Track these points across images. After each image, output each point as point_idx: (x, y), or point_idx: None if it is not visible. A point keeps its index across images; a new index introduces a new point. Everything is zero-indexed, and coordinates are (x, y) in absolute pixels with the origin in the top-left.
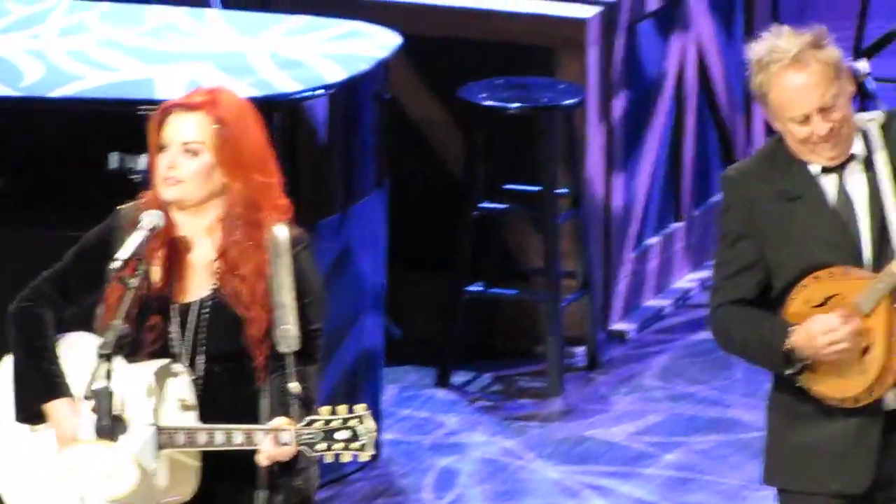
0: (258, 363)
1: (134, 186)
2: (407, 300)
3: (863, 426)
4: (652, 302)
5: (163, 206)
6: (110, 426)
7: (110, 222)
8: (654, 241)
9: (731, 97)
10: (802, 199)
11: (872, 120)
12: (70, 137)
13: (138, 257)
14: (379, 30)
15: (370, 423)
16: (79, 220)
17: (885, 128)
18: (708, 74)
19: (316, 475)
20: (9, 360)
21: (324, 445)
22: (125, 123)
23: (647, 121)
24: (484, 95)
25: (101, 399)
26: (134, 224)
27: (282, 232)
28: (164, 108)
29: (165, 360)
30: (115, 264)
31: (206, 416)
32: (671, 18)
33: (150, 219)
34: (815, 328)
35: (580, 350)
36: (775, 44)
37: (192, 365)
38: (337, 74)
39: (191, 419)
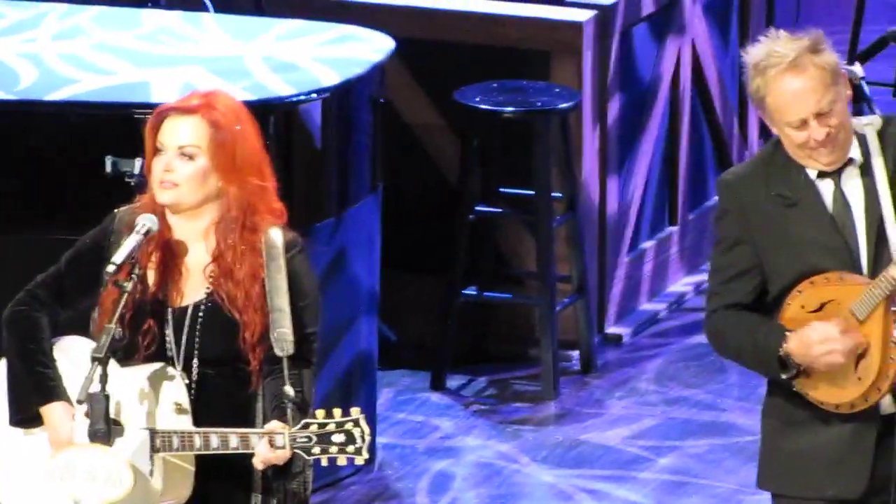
0: (253, 367)
1: (129, 190)
2: (402, 304)
3: (858, 431)
4: (647, 306)
5: (158, 210)
6: (105, 430)
7: (106, 226)
8: (648, 244)
9: (725, 101)
10: (799, 204)
11: (870, 125)
12: (65, 141)
13: (133, 261)
14: (374, 33)
15: (365, 427)
16: (74, 224)
17: (882, 133)
18: (703, 78)
19: (311, 479)
20: (3, 363)
21: (319, 449)
22: (120, 127)
23: (641, 124)
24: (479, 99)
25: (96, 403)
26: (129, 228)
27: (276, 236)
28: (160, 112)
29: (160, 364)
30: (110, 268)
31: (200, 420)
32: (666, 22)
33: (145, 222)
34: (812, 337)
35: (575, 354)
36: (773, 48)
37: (186, 369)
38: (332, 78)
39: (185, 423)
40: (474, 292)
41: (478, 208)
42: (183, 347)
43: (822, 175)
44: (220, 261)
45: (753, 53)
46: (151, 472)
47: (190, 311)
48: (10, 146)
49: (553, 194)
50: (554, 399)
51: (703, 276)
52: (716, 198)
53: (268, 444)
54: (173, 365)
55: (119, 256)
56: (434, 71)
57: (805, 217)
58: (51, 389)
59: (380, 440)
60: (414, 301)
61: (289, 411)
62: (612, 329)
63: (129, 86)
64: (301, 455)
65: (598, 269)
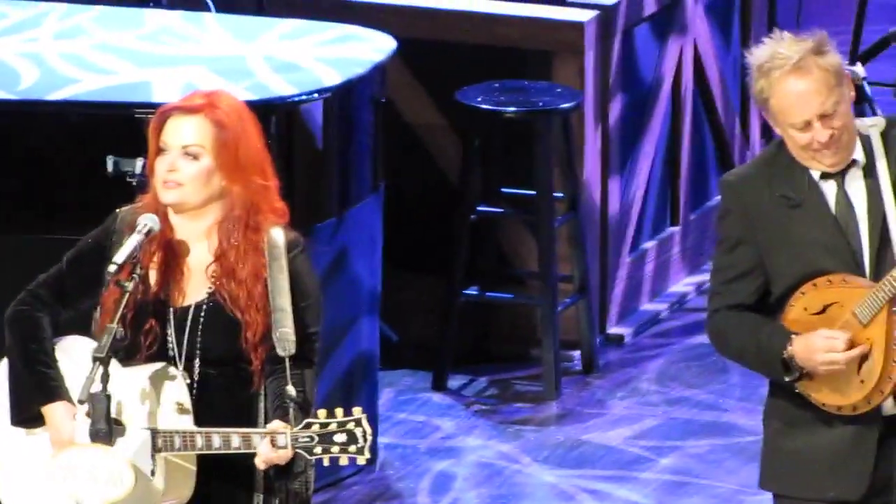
0: (255, 367)
1: (130, 190)
2: (403, 304)
3: (860, 433)
4: (648, 306)
5: (160, 210)
6: (106, 430)
7: (107, 226)
8: (650, 245)
9: (727, 101)
10: (802, 205)
11: (874, 126)
12: (66, 141)
13: (135, 261)
14: (375, 33)
15: (367, 427)
16: (75, 224)
17: (885, 134)
18: (704, 78)
19: (312, 479)
20: (5, 363)
21: (321, 449)
22: (122, 127)
23: (643, 125)
24: (480, 99)
25: (97, 403)
26: (131, 228)
27: (278, 235)
28: (163, 112)
29: (161, 364)
30: (112, 268)
31: (202, 420)
32: (668, 22)
33: (147, 222)
34: (818, 343)
35: (576, 354)
36: (777, 49)
37: (188, 368)
38: (333, 78)
39: (187, 423)
40: (476, 292)
41: (479, 208)
42: (185, 347)
43: (825, 176)
44: (222, 260)
45: (757, 55)
46: (153, 472)
47: (192, 310)
48: (10, 146)
49: (554, 194)
50: (555, 399)
51: (705, 277)
52: (717, 198)
53: (270, 444)
54: (175, 365)
55: (120, 256)
56: (435, 71)
57: (808, 218)
58: (52, 389)
59: (381, 440)
60: (415, 301)
61: (291, 411)
62: (613, 329)
63: (130, 86)
64: (303, 455)
65: (599, 270)
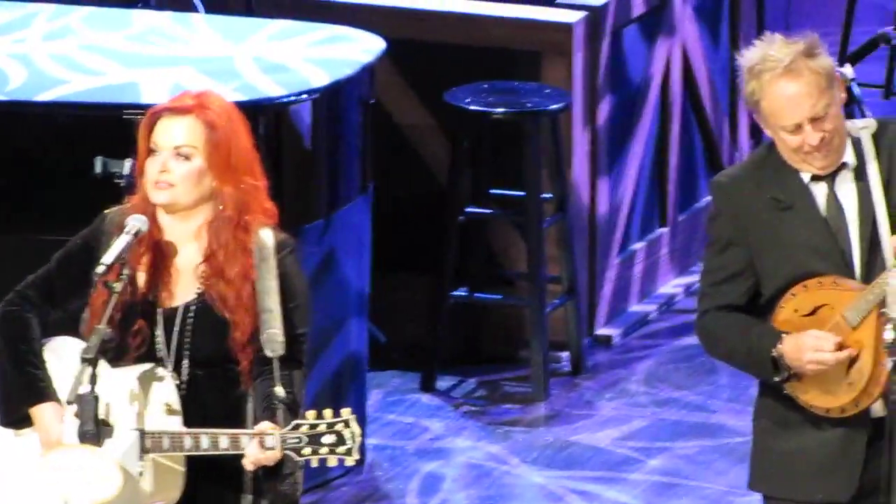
0: (243, 367)
1: (119, 191)
2: (392, 305)
3: (849, 435)
4: (637, 307)
5: (149, 211)
6: (94, 431)
7: (96, 226)
8: (639, 246)
9: (716, 102)
10: (793, 208)
11: (865, 128)
12: (55, 142)
13: (123, 262)
14: (364, 34)
15: (355, 428)
16: (63, 225)
17: (876, 136)
18: (693, 79)
19: (301, 480)
20: None
21: (309, 450)
22: (110, 128)
23: (632, 126)
24: (469, 100)
25: (85, 404)
26: (120, 228)
27: (267, 236)
28: (153, 113)
29: (150, 365)
30: (100, 269)
31: (191, 421)
32: (656, 23)
33: (135, 223)
34: (807, 343)
35: (565, 355)
36: (768, 52)
37: (177, 369)
38: (321, 79)
39: (176, 423)
40: (464, 293)
41: (468, 209)
42: (173, 348)
43: (815, 178)
44: (211, 260)
45: (748, 57)
46: (141, 473)
47: (180, 311)
48: None
49: (543, 195)
50: (544, 400)
51: (694, 278)
52: (706, 199)
53: (258, 445)
54: (163, 366)
55: (108, 257)
56: (424, 72)
57: (798, 220)
58: (41, 390)
59: (370, 441)
60: (404, 302)
61: (279, 412)
62: (602, 330)
63: (118, 86)
64: (291, 456)
65: (588, 271)
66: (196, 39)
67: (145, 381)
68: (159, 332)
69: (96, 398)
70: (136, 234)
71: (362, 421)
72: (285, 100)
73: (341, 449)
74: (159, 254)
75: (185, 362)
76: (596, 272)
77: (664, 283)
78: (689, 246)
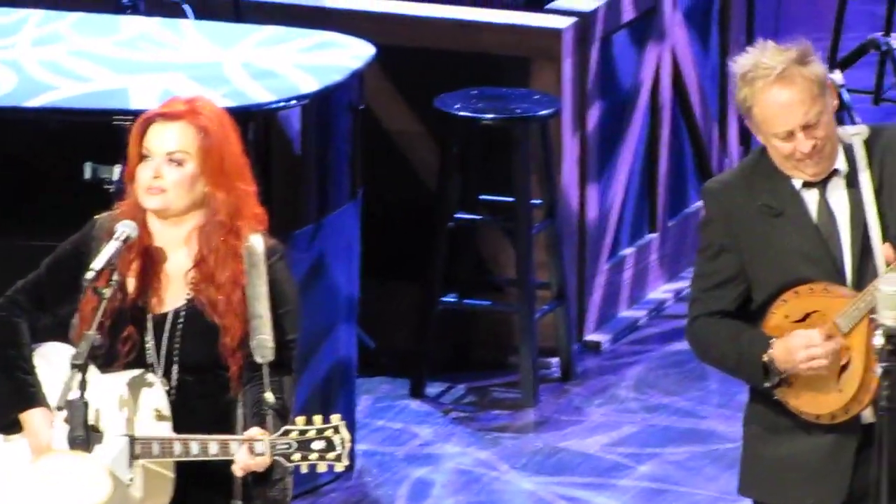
0: (232, 373)
1: (109, 197)
2: (381, 311)
3: (839, 441)
4: (626, 313)
5: (138, 217)
6: (83, 437)
7: (86, 232)
8: (628, 251)
9: (705, 108)
10: (784, 214)
11: (857, 135)
12: (44, 147)
13: (112, 268)
14: (353, 40)
15: (345, 434)
16: (53, 230)
17: (868, 143)
18: (683, 85)
19: (290, 486)
20: None
21: (299, 455)
22: (99, 133)
23: (621, 131)
24: (459, 106)
25: (75, 410)
26: (110, 234)
27: (257, 242)
28: (145, 118)
29: (140, 371)
30: (89, 275)
31: (180, 427)
32: (646, 29)
33: (124, 229)
34: (795, 343)
35: (554, 361)
36: (760, 59)
37: (166, 375)
38: (311, 85)
39: (165, 429)
40: (453, 299)
41: (457, 215)
42: (163, 354)
43: (807, 185)
44: (201, 265)
45: (741, 63)
46: (131, 479)
47: (170, 317)
48: None
49: (532, 201)
50: (533, 406)
51: (683, 284)
52: (696, 205)
53: (248, 451)
54: (153, 371)
55: (98, 263)
56: (414, 78)
57: (790, 227)
58: (31, 396)
59: (359, 447)
60: (393, 308)
61: (269, 418)
62: (591, 336)
63: (107, 92)
64: (281, 462)
65: (577, 277)
66: (185, 45)
67: (135, 386)
68: (149, 338)
69: (86, 404)
70: (125, 240)
71: (352, 427)
72: (274, 106)
73: (331, 455)
74: (149, 259)
75: (175, 368)
76: (585, 278)
77: (654, 288)
78: (678, 251)
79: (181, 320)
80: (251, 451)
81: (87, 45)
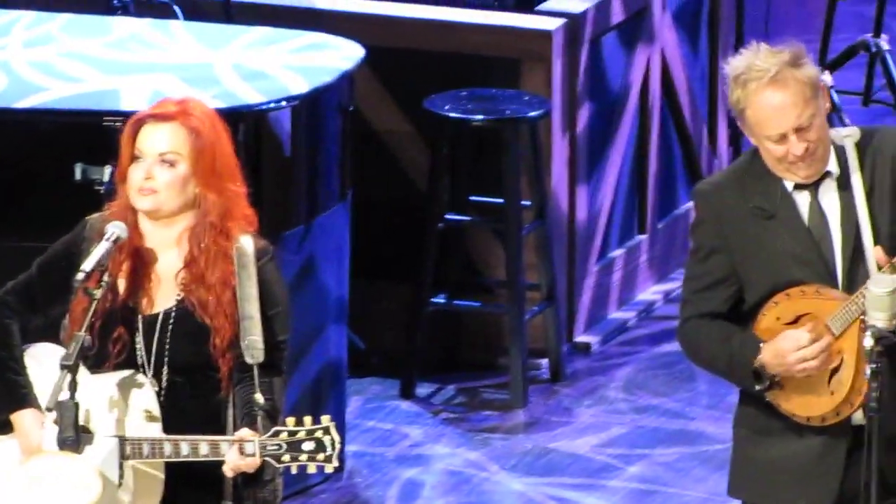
0: (223, 374)
1: (99, 198)
2: (371, 312)
3: (829, 443)
4: (616, 314)
5: (130, 217)
6: (74, 437)
7: (77, 233)
8: (618, 253)
9: (695, 109)
10: (776, 216)
11: (849, 136)
12: (35, 148)
13: (103, 269)
14: (343, 41)
15: (335, 435)
16: (43, 232)
17: (860, 145)
18: (672, 87)
19: (280, 487)
20: None
21: (289, 456)
22: (90, 134)
23: (611, 133)
24: (448, 107)
25: (65, 411)
26: (100, 235)
27: (247, 243)
28: (137, 119)
29: (130, 371)
30: (80, 276)
31: (171, 427)
32: (636, 31)
33: (114, 230)
34: (785, 346)
35: (544, 362)
36: (753, 61)
37: (156, 376)
38: (301, 86)
39: (155, 430)
40: (443, 301)
41: (447, 216)
42: (153, 355)
43: (798, 187)
44: (192, 266)
45: (734, 65)
46: (121, 480)
47: (160, 318)
48: None
49: (522, 202)
50: (523, 407)
51: (673, 285)
52: (685, 206)
53: (238, 452)
54: (143, 372)
55: (88, 264)
56: (403, 79)
57: (781, 229)
58: (22, 396)
59: (349, 448)
60: (383, 309)
61: (259, 419)
62: (581, 337)
63: (98, 93)
64: (271, 463)
65: (567, 278)
66: (175, 46)
67: (125, 387)
68: (139, 339)
69: (76, 405)
70: (115, 241)
71: (342, 428)
72: (265, 107)
73: (321, 456)
74: (139, 261)
75: (165, 369)
76: (575, 279)
77: (643, 290)
78: (668, 253)
79: (171, 321)
80: (241, 451)
81: (77, 47)
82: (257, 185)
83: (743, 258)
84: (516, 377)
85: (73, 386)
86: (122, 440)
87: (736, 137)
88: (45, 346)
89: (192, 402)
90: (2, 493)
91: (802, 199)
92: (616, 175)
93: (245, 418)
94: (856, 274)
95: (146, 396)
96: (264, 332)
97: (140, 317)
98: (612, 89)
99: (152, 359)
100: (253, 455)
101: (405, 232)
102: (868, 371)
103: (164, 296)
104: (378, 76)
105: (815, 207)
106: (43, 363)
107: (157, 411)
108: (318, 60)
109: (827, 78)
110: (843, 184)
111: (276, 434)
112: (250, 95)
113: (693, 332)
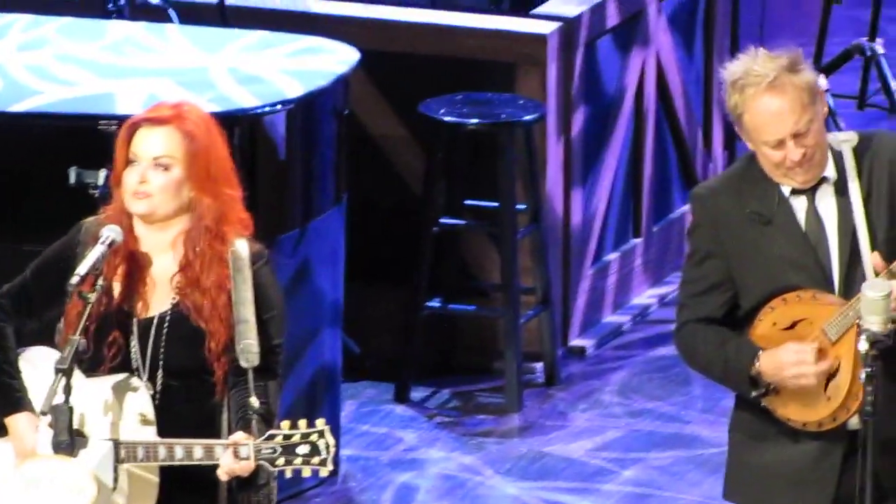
0: (217, 377)
1: (94, 201)
2: (366, 316)
3: (825, 448)
4: (611, 318)
5: (125, 221)
6: (68, 441)
7: (72, 237)
8: (612, 257)
9: (690, 113)
10: (773, 221)
11: (846, 141)
12: (30, 152)
13: (97, 272)
14: (338, 45)
15: (330, 438)
16: (38, 235)
17: (857, 150)
18: (667, 91)
19: (275, 490)
20: None
21: (283, 460)
22: (85, 138)
23: (606, 137)
24: (443, 111)
25: (59, 414)
26: (95, 239)
27: (242, 247)
28: (132, 123)
29: (124, 375)
30: (74, 279)
31: (165, 431)
32: (630, 34)
33: (109, 234)
34: (785, 358)
35: (539, 366)
36: (751, 66)
37: (151, 379)
38: (296, 90)
39: (150, 434)
40: (438, 304)
41: (442, 220)
42: (148, 358)
43: (795, 192)
44: (187, 270)
45: (731, 70)
46: (115, 484)
47: (155, 321)
48: None
49: (517, 206)
50: (518, 411)
51: (668, 289)
52: (680, 210)
53: (232, 455)
54: (138, 376)
55: (83, 268)
56: (399, 83)
57: (778, 234)
58: (16, 400)
59: (343, 452)
60: (378, 313)
61: (253, 423)
62: (576, 341)
63: (93, 97)
64: (266, 466)
65: (562, 282)
66: (171, 50)
67: (120, 391)
68: (134, 343)
69: (71, 409)
70: (110, 245)
71: (336, 431)
72: (260, 111)
73: (315, 459)
74: (134, 264)
75: (160, 372)
76: (570, 283)
77: (638, 293)
78: (662, 257)
79: (166, 325)
80: (236, 455)
81: (72, 50)
82: (252, 188)
83: (739, 263)
84: (511, 381)
85: (67, 389)
86: (117, 444)
87: (731, 141)
88: (40, 350)
89: (186, 406)
90: None
91: (799, 205)
92: (611, 179)
93: (240, 422)
94: (853, 279)
95: (141, 400)
96: (259, 335)
97: (135, 320)
98: (607, 93)
99: (147, 362)
100: (247, 459)
101: (400, 236)
102: (862, 375)
103: (159, 299)
104: (373, 80)
105: (812, 213)
106: (38, 367)
107: (151, 415)
108: (314, 64)
109: (822, 82)
110: (841, 189)
111: (271, 438)
112: (245, 99)
113: (689, 336)
